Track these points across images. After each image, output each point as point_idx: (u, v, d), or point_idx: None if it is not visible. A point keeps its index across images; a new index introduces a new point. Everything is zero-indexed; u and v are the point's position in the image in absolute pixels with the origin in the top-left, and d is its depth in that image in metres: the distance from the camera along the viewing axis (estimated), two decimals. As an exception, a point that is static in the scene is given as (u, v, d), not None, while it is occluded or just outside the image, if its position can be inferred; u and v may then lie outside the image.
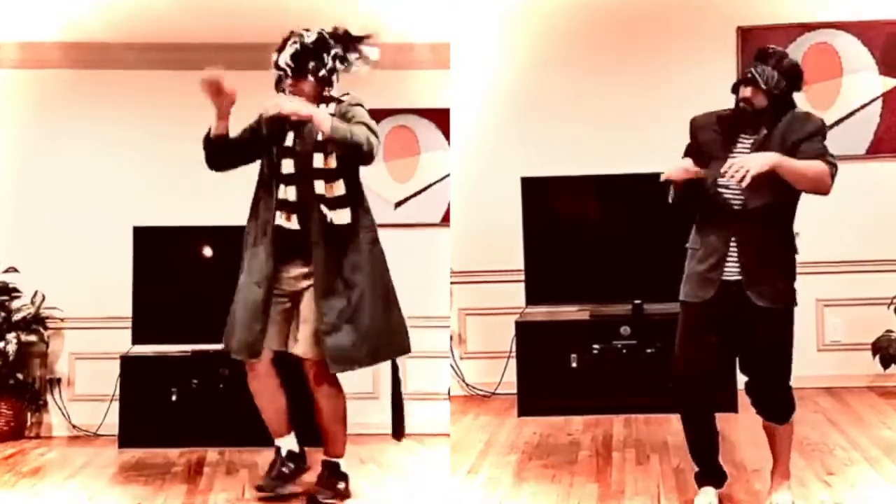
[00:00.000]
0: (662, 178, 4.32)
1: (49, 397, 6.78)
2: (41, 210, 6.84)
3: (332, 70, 4.76)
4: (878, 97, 7.11)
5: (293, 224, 4.71)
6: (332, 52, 4.76)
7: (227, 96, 4.69)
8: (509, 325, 6.72)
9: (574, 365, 6.56)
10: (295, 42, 4.72)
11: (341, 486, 4.91)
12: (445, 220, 7.02)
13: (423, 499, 5.14)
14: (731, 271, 4.32)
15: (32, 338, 6.57)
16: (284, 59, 4.72)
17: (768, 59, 4.31)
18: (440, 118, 7.01)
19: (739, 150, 4.31)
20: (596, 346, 6.53)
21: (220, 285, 6.37)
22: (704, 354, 4.33)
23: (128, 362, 6.36)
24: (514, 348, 6.68)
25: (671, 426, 6.02)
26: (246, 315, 4.74)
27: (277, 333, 4.77)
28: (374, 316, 4.71)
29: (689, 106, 7.04)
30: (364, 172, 7.11)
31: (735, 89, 4.37)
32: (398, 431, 4.99)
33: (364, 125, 4.60)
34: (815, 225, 7.01)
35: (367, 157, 4.59)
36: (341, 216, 4.65)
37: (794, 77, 4.35)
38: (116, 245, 6.56)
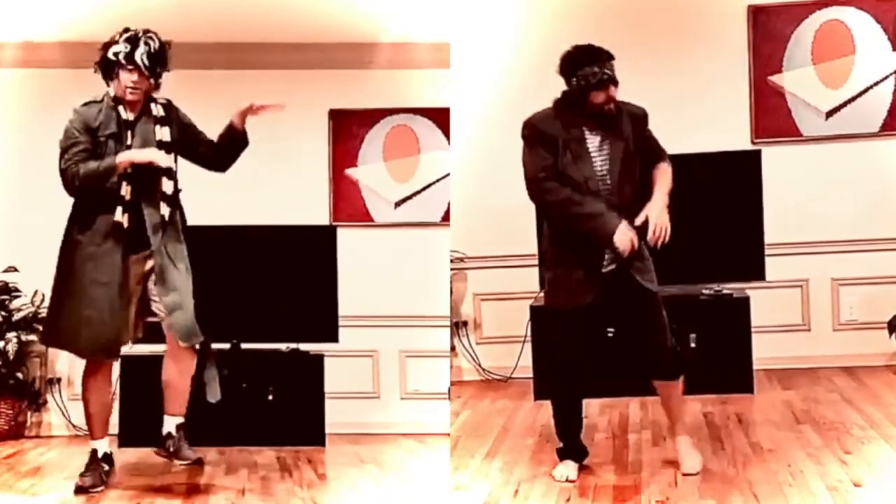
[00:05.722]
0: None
1: (49, 397, 6.79)
2: (41, 210, 6.75)
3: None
4: (890, 74, 7.04)
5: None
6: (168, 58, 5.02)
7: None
8: (524, 309, 6.70)
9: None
10: (149, 41, 4.92)
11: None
12: (445, 219, 7.02)
13: (423, 499, 5.13)
14: None
15: (32, 337, 6.57)
16: (140, 56, 4.89)
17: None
18: (440, 117, 7.00)
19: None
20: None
21: (220, 285, 6.37)
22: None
23: (128, 362, 6.27)
24: (529, 333, 6.64)
25: (687, 407, 5.95)
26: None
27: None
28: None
29: (700, 86, 7.04)
30: (364, 172, 7.10)
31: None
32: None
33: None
34: (828, 204, 6.96)
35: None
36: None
37: None
38: (116, 244, 6.49)
